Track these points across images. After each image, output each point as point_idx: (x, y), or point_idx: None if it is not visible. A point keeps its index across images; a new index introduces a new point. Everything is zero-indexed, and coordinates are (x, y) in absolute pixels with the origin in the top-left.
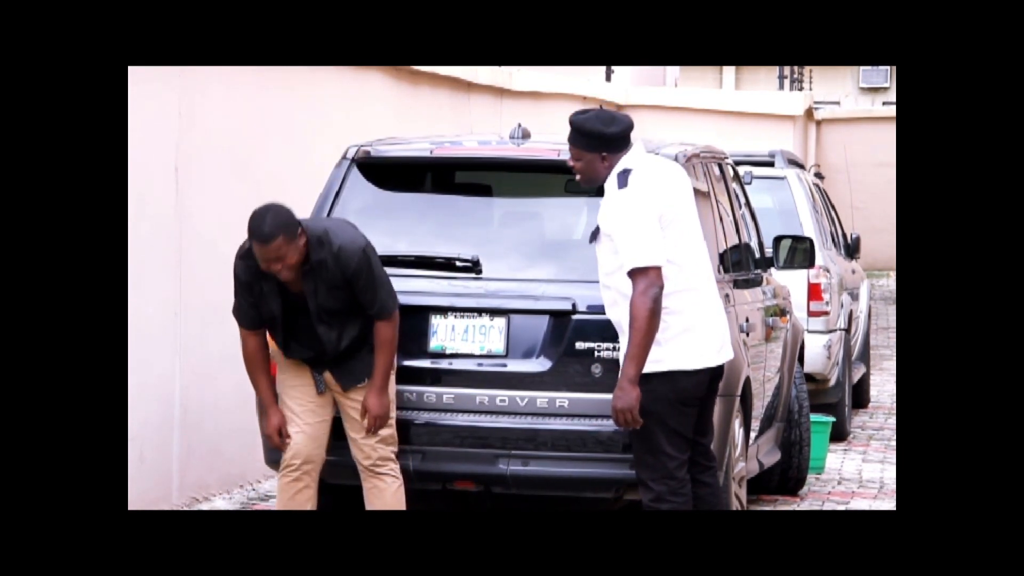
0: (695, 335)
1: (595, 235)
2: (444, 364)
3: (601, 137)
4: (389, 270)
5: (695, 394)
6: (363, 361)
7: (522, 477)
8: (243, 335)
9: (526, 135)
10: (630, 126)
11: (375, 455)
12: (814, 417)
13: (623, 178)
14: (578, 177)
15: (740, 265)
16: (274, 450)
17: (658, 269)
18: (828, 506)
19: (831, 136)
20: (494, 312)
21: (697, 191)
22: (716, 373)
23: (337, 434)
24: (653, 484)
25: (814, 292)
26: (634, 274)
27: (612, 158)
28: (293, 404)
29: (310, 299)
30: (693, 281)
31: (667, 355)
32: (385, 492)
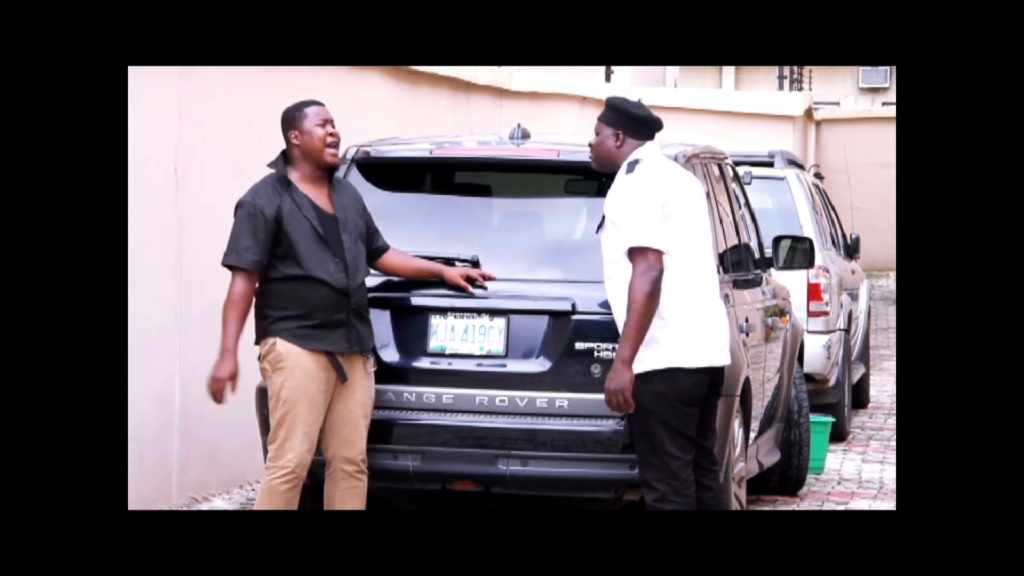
0: (695, 334)
1: (601, 224)
2: (444, 364)
3: (624, 113)
4: None
5: (696, 394)
6: (369, 325)
7: (522, 477)
8: (236, 279)
9: (526, 135)
10: (657, 122)
11: (363, 446)
12: (814, 417)
13: (632, 166)
14: (591, 155)
15: (740, 265)
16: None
17: (658, 253)
18: (828, 506)
19: (831, 136)
20: (494, 312)
21: None
22: (716, 376)
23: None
24: (657, 484)
25: (814, 292)
26: (634, 255)
27: (626, 142)
28: (303, 414)
29: (339, 210)
30: (693, 281)
31: (666, 353)
32: (362, 491)
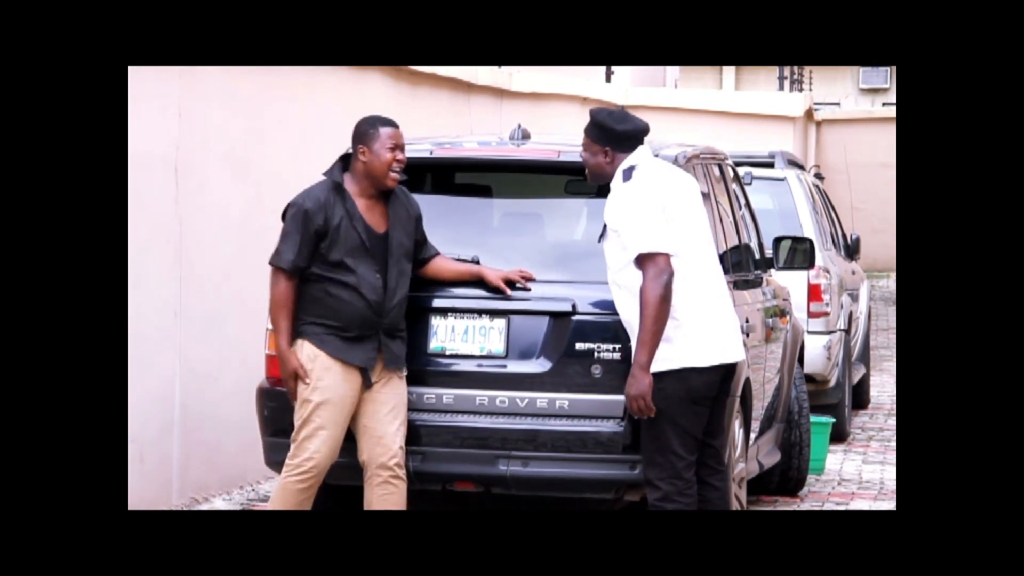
0: (706, 332)
1: (603, 233)
2: (444, 365)
3: (608, 132)
4: None
5: (707, 393)
6: (404, 342)
7: (522, 478)
8: (279, 279)
9: (526, 136)
10: (642, 129)
11: (398, 450)
12: (814, 418)
13: (628, 173)
14: (586, 171)
15: (740, 266)
16: (276, 451)
17: (666, 256)
18: (828, 507)
19: (831, 137)
20: (494, 313)
21: None
22: (727, 373)
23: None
24: (660, 483)
25: (814, 293)
26: (643, 261)
27: (615, 156)
28: (326, 416)
29: (393, 229)
30: (701, 279)
31: (678, 352)
32: (399, 496)
